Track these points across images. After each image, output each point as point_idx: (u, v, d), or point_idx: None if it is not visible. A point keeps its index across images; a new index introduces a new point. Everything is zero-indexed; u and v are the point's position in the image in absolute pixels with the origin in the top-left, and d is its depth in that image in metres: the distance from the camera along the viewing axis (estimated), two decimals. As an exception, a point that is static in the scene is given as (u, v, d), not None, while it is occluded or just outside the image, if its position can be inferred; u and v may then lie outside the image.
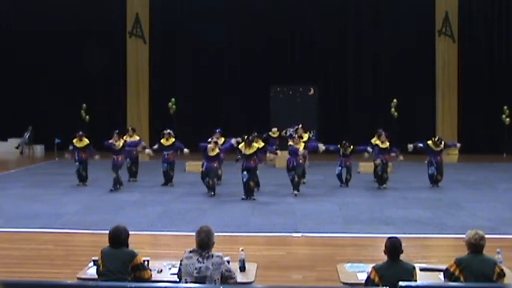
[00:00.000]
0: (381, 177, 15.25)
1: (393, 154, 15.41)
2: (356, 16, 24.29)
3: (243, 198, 13.42)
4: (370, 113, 23.48)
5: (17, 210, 12.22)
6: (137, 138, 16.62)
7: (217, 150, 14.00)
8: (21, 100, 24.89)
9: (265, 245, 9.60)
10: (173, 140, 15.51)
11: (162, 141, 15.57)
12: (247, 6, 23.81)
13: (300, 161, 14.12)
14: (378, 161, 15.30)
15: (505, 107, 22.55)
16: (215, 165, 14.13)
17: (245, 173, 13.44)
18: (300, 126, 16.22)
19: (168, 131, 15.63)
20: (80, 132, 15.45)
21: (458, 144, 17.40)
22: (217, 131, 15.81)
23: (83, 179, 15.37)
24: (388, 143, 15.25)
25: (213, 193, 13.83)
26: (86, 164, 15.41)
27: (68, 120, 23.34)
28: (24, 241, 9.78)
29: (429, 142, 15.33)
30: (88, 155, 15.40)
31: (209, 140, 14.35)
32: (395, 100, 22.57)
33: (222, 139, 15.80)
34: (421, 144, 15.40)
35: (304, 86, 23.60)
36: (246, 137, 13.99)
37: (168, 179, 15.50)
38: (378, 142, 15.33)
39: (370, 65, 24.29)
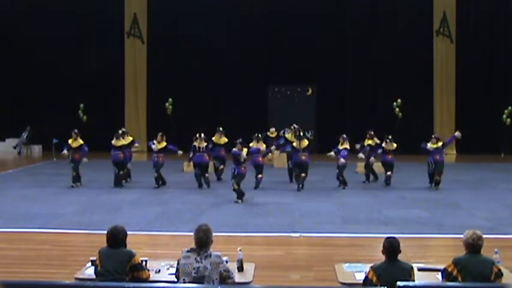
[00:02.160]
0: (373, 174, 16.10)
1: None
2: (354, 16, 24.25)
3: (235, 202, 13.26)
4: (368, 113, 23.48)
5: (14, 210, 12.20)
6: (130, 138, 16.51)
7: (204, 143, 14.97)
8: (19, 100, 24.88)
9: (263, 245, 9.60)
10: (165, 144, 15.22)
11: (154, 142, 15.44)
12: (245, 6, 23.80)
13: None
14: (371, 160, 15.76)
15: (510, 107, 22.53)
16: (206, 157, 14.93)
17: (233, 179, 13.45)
18: (294, 127, 16.32)
19: (160, 133, 15.40)
20: (76, 130, 15.25)
21: (457, 133, 15.72)
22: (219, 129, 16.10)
23: (74, 180, 15.05)
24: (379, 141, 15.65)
25: (205, 186, 14.50)
26: (77, 165, 15.07)
27: (65, 120, 23.31)
28: (22, 241, 9.77)
29: (428, 143, 15.36)
30: (80, 156, 15.13)
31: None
32: (399, 100, 22.59)
33: (226, 139, 15.97)
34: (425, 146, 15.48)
35: (302, 86, 23.59)
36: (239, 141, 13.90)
37: (158, 181, 15.18)
38: (370, 142, 15.64)
39: (368, 65, 24.27)
